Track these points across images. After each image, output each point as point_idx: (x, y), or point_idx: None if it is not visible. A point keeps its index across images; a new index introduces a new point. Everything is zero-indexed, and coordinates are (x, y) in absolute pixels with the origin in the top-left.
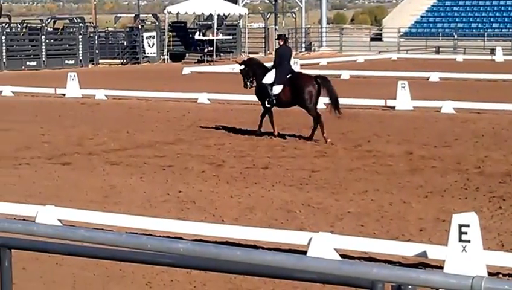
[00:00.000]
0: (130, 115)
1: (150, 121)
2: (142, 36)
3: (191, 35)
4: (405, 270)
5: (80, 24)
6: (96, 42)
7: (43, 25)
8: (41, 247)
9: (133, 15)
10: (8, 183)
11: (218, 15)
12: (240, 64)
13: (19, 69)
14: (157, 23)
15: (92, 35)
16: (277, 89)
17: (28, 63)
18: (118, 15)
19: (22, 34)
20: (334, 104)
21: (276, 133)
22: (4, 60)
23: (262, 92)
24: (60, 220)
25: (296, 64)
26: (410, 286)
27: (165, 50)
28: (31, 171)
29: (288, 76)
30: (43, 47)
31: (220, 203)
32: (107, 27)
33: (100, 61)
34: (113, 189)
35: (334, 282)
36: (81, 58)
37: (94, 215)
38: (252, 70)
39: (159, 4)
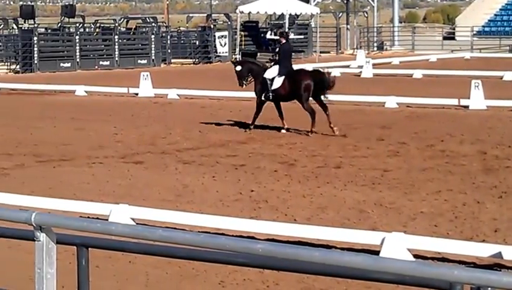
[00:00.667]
0: (202, 114)
1: (222, 120)
2: (214, 36)
3: (262, 35)
4: (486, 272)
5: (153, 24)
6: (169, 42)
7: (116, 24)
8: (118, 246)
9: (205, 14)
10: (82, 182)
11: (290, 14)
12: (235, 65)
13: (92, 68)
14: (229, 23)
15: (164, 34)
16: (278, 83)
17: (101, 62)
18: (190, 15)
19: (95, 34)
20: (322, 94)
21: (252, 127)
22: (78, 60)
23: (262, 87)
24: (133, 219)
25: (368, 64)
26: (489, 289)
27: (237, 49)
28: (104, 170)
29: (288, 71)
30: (116, 47)
31: (292, 202)
32: (179, 27)
33: (172, 60)
34: (186, 188)
35: (411, 283)
36: (153, 57)
37: (167, 214)
38: (248, 69)
39: (230, 4)
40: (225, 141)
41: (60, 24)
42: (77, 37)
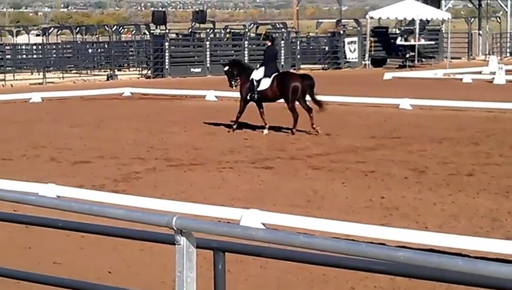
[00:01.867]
0: (331, 120)
1: (351, 126)
2: (344, 41)
3: (392, 41)
4: None
5: (282, 29)
6: (298, 47)
7: (246, 30)
8: (254, 251)
9: (335, 20)
10: (213, 187)
11: (421, 20)
12: (224, 65)
13: (222, 74)
14: (358, 29)
15: (293, 40)
16: (265, 84)
17: None
18: (320, 20)
19: (225, 39)
20: (314, 100)
21: (235, 127)
22: (208, 65)
23: (248, 88)
24: (263, 224)
25: (501, 70)
26: None
27: (367, 55)
28: (234, 174)
29: (275, 73)
30: (246, 52)
31: (423, 210)
32: (309, 32)
33: (301, 66)
34: (316, 194)
35: None
36: (282, 63)
37: (297, 219)
38: (237, 70)
39: (360, 9)
40: (354, 147)
41: (190, 30)
42: (208, 42)
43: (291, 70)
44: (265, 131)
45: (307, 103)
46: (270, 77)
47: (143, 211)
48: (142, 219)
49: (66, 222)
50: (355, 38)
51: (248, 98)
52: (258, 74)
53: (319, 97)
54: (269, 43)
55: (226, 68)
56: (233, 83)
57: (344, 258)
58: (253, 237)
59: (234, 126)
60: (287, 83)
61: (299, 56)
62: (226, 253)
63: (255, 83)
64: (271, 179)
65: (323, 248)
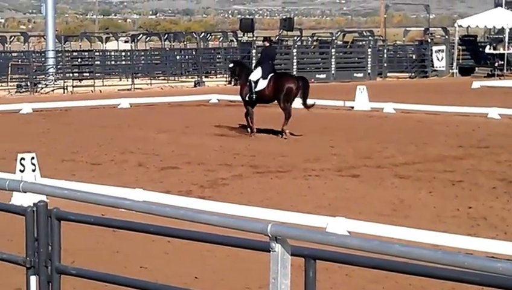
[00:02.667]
0: (418, 128)
1: (438, 135)
2: (431, 50)
3: (481, 49)
4: None
5: (369, 37)
6: (385, 55)
7: (333, 38)
8: (345, 259)
9: (422, 28)
10: (299, 194)
11: (510, 28)
12: (230, 62)
13: (309, 81)
14: (446, 37)
15: (380, 48)
16: (262, 84)
17: (317, 75)
18: (407, 28)
19: (312, 47)
20: (304, 99)
21: (254, 130)
22: (294, 73)
23: (247, 89)
24: (349, 232)
25: None
26: None
27: (454, 64)
28: (320, 182)
29: (271, 74)
30: (333, 60)
31: (511, 220)
32: (396, 40)
33: (388, 74)
34: (402, 203)
35: None
36: (369, 71)
37: (383, 228)
38: (238, 70)
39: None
40: (442, 156)
41: (278, 37)
42: (295, 50)
43: (286, 72)
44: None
45: (291, 108)
46: (266, 78)
47: (236, 218)
48: (236, 226)
49: (158, 227)
50: (443, 47)
51: (247, 99)
52: (254, 74)
53: (309, 101)
54: (267, 44)
55: (231, 65)
56: (233, 80)
57: (434, 268)
58: (348, 245)
59: (249, 130)
60: (282, 84)
61: (385, 64)
62: (316, 260)
63: (253, 84)
64: (357, 187)
65: (419, 257)
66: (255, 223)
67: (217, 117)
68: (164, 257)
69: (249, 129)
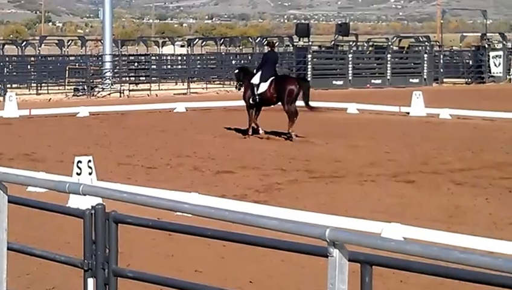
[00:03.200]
0: (474, 134)
1: (495, 142)
2: (488, 55)
3: None
4: None
5: (426, 43)
6: (441, 61)
7: (389, 43)
8: (402, 265)
9: (479, 34)
10: (354, 199)
11: None
12: (236, 69)
13: (364, 86)
14: (504, 43)
15: (437, 54)
16: (263, 87)
17: (373, 81)
18: (464, 34)
19: (368, 52)
20: (306, 101)
21: (250, 133)
22: (350, 78)
23: (249, 92)
24: (404, 238)
25: None
26: None
27: (511, 70)
28: (376, 187)
29: (273, 76)
30: (389, 65)
31: None
32: (452, 46)
33: (444, 80)
34: (458, 209)
35: None
36: (425, 76)
37: (439, 234)
38: (242, 75)
39: (505, 23)
40: (498, 163)
41: (333, 42)
42: (350, 55)
43: (287, 74)
44: (261, 132)
45: (295, 109)
46: (267, 80)
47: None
48: (294, 230)
49: (215, 231)
50: (500, 52)
51: (251, 102)
52: (256, 78)
53: (312, 103)
54: (269, 48)
55: (236, 71)
56: (238, 86)
57: (493, 275)
58: (407, 251)
59: (249, 132)
60: (283, 86)
61: (442, 70)
62: (373, 266)
63: (255, 87)
64: (413, 193)
65: (479, 264)
66: (313, 227)
67: (272, 122)
68: (219, 261)
69: (250, 131)
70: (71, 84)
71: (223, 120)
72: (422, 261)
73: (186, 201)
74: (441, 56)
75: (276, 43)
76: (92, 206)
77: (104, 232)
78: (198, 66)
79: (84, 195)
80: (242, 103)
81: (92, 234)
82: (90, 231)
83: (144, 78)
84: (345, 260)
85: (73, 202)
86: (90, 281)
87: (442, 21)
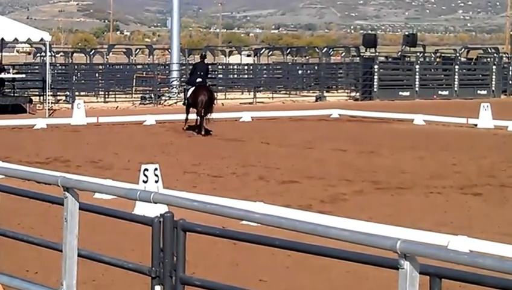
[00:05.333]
0: None
1: None
2: None
3: None
4: None
5: (494, 54)
6: (510, 72)
7: (457, 54)
8: (472, 278)
9: None
10: (420, 211)
11: None
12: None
13: (431, 98)
14: None
15: (506, 65)
16: (189, 92)
17: (439, 92)
18: None
19: (435, 63)
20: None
21: (184, 128)
22: (417, 89)
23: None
24: (471, 251)
25: None
26: None
27: None
28: (442, 199)
29: (197, 84)
30: (456, 77)
31: None
32: None
33: None
34: None
35: None
36: (493, 88)
37: (506, 248)
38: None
39: None
40: None
41: (400, 53)
42: (417, 66)
43: (205, 84)
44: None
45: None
46: (193, 86)
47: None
48: (365, 241)
49: (283, 241)
50: None
51: (185, 104)
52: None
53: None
54: (200, 59)
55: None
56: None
57: None
58: (480, 265)
59: (184, 128)
60: (196, 94)
61: (510, 82)
62: (442, 279)
63: (187, 92)
64: (480, 206)
65: None
66: (385, 239)
67: (338, 132)
68: (284, 271)
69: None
70: (138, 92)
71: (289, 130)
72: (492, 275)
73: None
74: (510, 68)
75: (342, 53)
76: (160, 214)
77: (172, 240)
78: (265, 75)
79: (155, 203)
80: (308, 112)
81: (160, 241)
82: (158, 238)
83: None
84: (416, 273)
85: (139, 209)
86: (158, 289)
87: (511, 32)
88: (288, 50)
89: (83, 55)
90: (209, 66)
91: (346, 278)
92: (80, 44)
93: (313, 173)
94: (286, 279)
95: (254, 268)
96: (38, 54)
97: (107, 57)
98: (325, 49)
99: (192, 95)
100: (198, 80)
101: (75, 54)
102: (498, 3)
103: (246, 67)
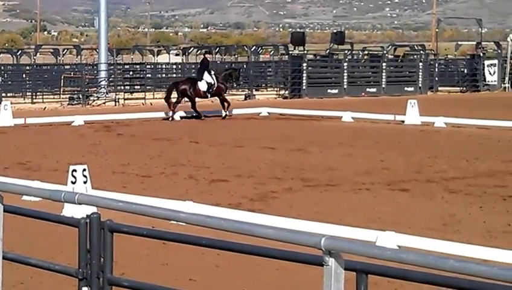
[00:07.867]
0: (469, 143)
1: (489, 150)
2: (483, 64)
3: None
4: None
5: (421, 51)
6: (436, 69)
7: (384, 52)
8: (397, 274)
9: (474, 43)
10: (349, 208)
11: None
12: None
13: (359, 95)
14: (498, 51)
15: (432, 62)
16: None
17: (368, 89)
18: (459, 42)
19: (363, 61)
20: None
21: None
22: (345, 86)
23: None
24: (399, 246)
25: None
26: None
27: (506, 78)
28: (370, 196)
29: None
30: (383, 74)
31: None
32: (447, 54)
33: (439, 88)
34: (452, 217)
35: None
36: (420, 85)
37: (432, 243)
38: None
39: (500, 32)
40: (493, 171)
41: (328, 51)
42: (345, 64)
43: (192, 77)
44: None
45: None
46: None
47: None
48: (290, 239)
49: (211, 240)
50: (495, 61)
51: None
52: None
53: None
54: (206, 56)
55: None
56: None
57: (487, 283)
58: (404, 260)
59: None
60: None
61: (437, 78)
62: (368, 275)
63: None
64: (407, 202)
65: (475, 273)
66: (309, 236)
67: (268, 130)
68: (214, 270)
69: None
70: (66, 93)
71: (217, 129)
72: (417, 269)
73: (181, 210)
74: (436, 64)
75: (271, 52)
76: (87, 215)
77: (99, 241)
78: (193, 74)
79: (80, 204)
80: (237, 111)
81: (87, 243)
82: (85, 240)
83: (138, 86)
84: (340, 269)
85: (68, 210)
86: None
87: (437, 30)
88: (217, 49)
89: (10, 55)
90: (208, 60)
91: (275, 275)
92: (6, 44)
93: (243, 171)
94: (216, 278)
95: (184, 268)
96: None
97: (34, 57)
98: (254, 47)
99: None
100: (194, 75)
101: (1, 55)
102: (424, 1)
103: (174, 66)
